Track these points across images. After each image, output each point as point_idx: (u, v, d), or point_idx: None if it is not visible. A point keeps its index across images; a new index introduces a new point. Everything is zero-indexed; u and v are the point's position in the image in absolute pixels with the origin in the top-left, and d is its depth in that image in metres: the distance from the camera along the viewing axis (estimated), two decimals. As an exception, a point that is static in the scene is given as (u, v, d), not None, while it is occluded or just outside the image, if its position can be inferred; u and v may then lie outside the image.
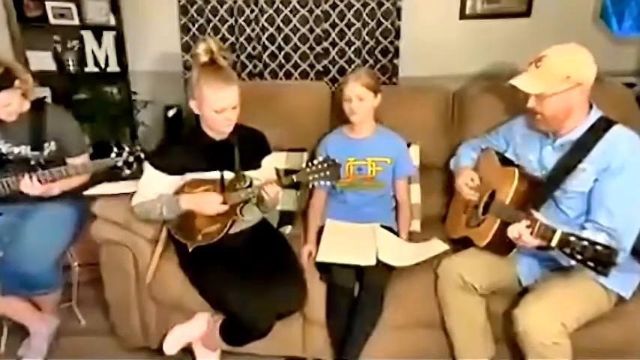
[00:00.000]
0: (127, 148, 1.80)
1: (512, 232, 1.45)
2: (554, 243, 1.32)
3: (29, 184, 1.77)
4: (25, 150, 1.89)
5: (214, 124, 1.72)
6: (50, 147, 1.93)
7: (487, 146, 1.95)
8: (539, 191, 1.60)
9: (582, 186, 1.54)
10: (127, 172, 1.82)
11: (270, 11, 3.14)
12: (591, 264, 1.24)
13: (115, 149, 1.79)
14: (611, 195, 1.47)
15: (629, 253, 1.52)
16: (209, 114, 1.68)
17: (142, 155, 1.82)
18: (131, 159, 1.81)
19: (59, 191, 1.89)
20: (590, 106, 1.58)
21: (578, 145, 1.55)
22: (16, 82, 1.79)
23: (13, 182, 1.80)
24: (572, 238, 1.28)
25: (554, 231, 1.33)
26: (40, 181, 1.78)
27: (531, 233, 1.39)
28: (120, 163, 1.80)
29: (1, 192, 1.82)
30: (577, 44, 1.54)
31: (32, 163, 1.85)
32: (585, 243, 1.25)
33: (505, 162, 1.79)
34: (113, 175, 1.95)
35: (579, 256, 1.25)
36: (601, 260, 1.22)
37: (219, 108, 1.66)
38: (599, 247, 1.23)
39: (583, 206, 1.56)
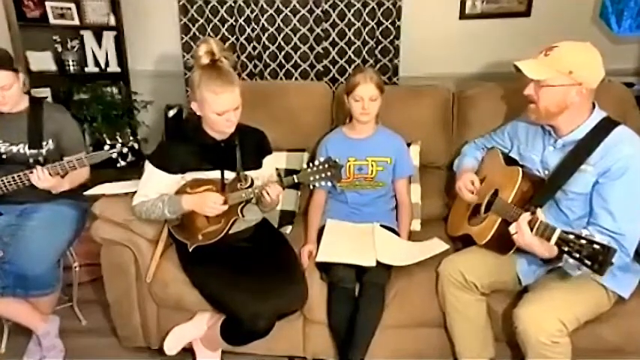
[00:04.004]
0: (119, 139, 1.80)
1: (513, 227, 1.45)
2: (552, 241, 1.32)
3: (41, 176, 1.75)
4: (23, 148, 1.88)
5: (216, 125, 1.72)
6: (49, 145, 1.92)
7: (492, 145, 1.95)
8: (541, 191, 1.60)
9: (583, 188, 1.53)
10: (123, 163, 1.82)
11: (271, 11, 3.15)
12: (588, 262, 1.23)
13: (108, 141, 1.80)
14: (613, 198, 1.46)
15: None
16: (211, 116, 1.68)
17: (136, 146, 1.83)
18: (125, 150, 1.81)
19: (69, 187, 1.89)
20: (593, 107, 1.57)
21: (580, 147, 1.54)
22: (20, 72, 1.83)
23: (24, 175, 1.77)
24: (571, 237, 1.28)
25: (553, 229, 1.33)
26: (50, 174, 1.77)
27: (531, 230, 1.39)
28: (114, 155, 1.80)
29: (10, 188, 1.81)
30: (591, 45, 1.51)
31: (31, 161, 1.84)
32: (583, 241, 1.25)
33: (510, 161, 1.79)
34: (116, 175, 1.96)
35: (577, 254, 1.25)
36: (597, 259, 1.22)
37: (220, 111, 1.66)
38: (596, 246, 1.23)
39: (584, 208, 1.56)
